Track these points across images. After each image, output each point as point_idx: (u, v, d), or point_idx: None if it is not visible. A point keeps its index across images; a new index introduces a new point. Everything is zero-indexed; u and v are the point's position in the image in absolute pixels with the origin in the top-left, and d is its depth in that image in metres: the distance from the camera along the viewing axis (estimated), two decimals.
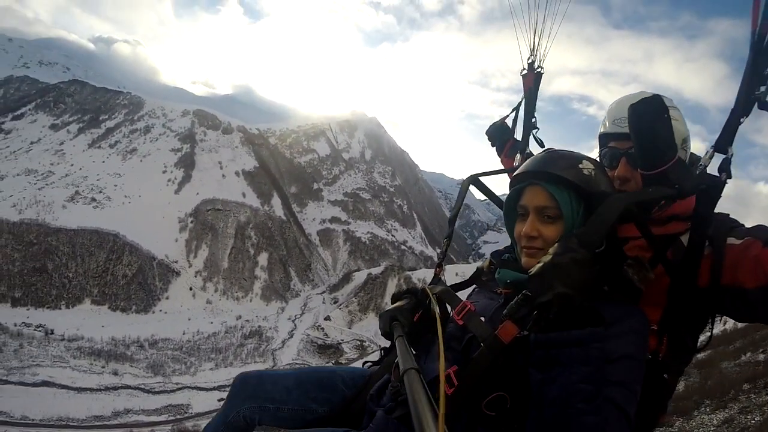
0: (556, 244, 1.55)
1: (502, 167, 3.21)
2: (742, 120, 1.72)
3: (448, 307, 2.16)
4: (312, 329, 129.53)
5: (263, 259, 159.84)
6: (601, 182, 1.85)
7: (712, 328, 2.01)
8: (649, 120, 1.77)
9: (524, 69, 3.19)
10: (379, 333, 2.29)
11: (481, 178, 2.79)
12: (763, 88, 1.65)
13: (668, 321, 1.86)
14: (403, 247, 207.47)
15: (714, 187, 1.74)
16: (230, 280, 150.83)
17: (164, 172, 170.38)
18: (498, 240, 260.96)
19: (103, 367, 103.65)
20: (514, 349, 1.55)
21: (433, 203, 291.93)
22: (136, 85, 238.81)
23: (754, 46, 1.65)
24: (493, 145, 3.44)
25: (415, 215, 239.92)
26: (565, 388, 1.39)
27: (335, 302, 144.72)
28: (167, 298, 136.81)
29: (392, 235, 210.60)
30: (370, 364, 2.50)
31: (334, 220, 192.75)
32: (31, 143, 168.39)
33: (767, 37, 1.63)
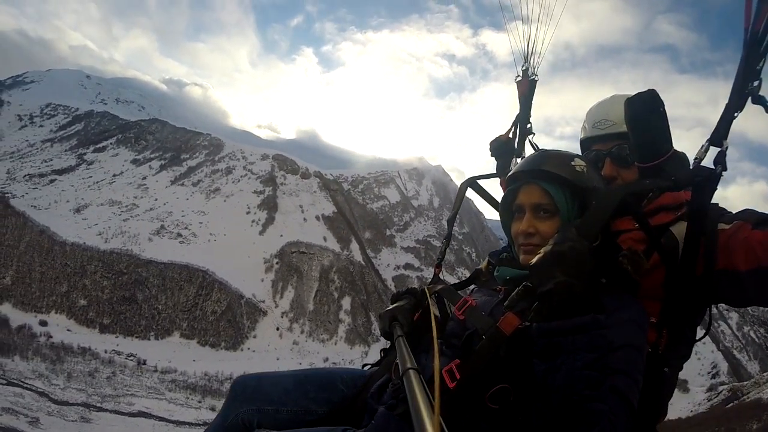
0: (555, 234, 1.55)
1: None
2: (736, 114, 1.72)
3: (450, 305, 2.20)
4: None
5: (346, 302, 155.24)
6: (593, 178, 1.91)
7: (710, 319, 2.04)
8: (645, 113, 1.80)
9: (518, 76, 3.23)
10: None
11: (480, 181, 2.89)
12: (756, 83, 1.67)
13: (667, 313, 1.87)
14: None
15: (710, 179, 1.77)
16: (316, 322, 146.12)
17: (248, 213, 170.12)
18: None
19: (199, 401, 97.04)
20: (516, 340, 1.56)
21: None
22: (207, 127, 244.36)
23: (747, 42, 1.67)
24: (491, 155, 3.24)
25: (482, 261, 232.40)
26: (570, 375, 1.38)
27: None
28: (255, 336, 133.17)
29: None
30: (369, 366, 2.48)
31: (408, 266, 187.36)
32: (114, 175, 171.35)
33: (759, 33, 1.64)
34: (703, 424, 33.35)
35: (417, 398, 1.23)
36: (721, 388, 59.86)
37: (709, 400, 50.86)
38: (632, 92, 2.11)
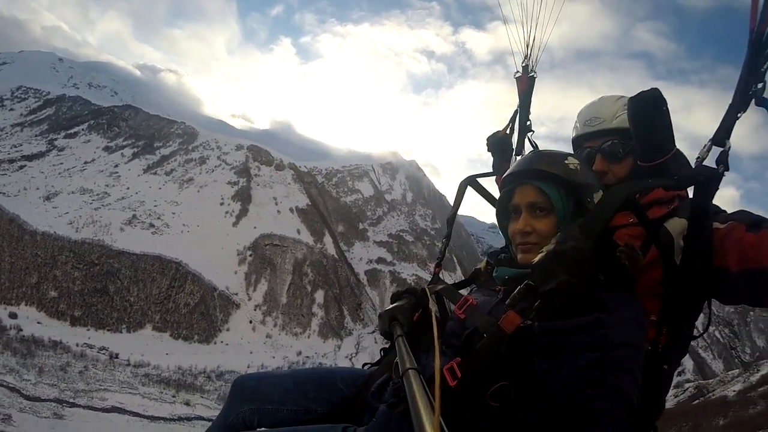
0: (558, 234, 1.55)
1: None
2: (739, 115, 1.74)
3: (450, 305, 2.20)
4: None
5: (320, 296, 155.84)
6: (587, 175, 1.92)
7: (710, 313, 2.06)
8: (648, 112, 1.82)
9: (518, 72, 3.26)
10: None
11: (479, 180, 2.85)
12: (760, 85, 1.67)
13: (667, 310, 1.87)
14: None
15: (712, 178, 1.77)
16: (289, 316, 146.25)
17: (221, 204, 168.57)
18: None
19: (173, 396, 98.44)
20: (517, 339, 1.55)
21: (470, 247, 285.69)
22: (181, 114, 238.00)
23: (752, 44, 1.67)
24: (488, 150, 3.31)
25: (455, 258, 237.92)
26: (572, 374, 1.39)
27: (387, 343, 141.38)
28: (228, 329, 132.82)
29: None
30: (369, 365, 2.50)
31: (380, 260, 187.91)
32: (85, 162, 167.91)
33: (764, 35, 1.64)
34: (671, 419, 34.45)
35: (417, 398, 1.23)
36: (687, 385, 61.66)
37: (675, 397, 52.43)
38: (609, 95, 2.36)
